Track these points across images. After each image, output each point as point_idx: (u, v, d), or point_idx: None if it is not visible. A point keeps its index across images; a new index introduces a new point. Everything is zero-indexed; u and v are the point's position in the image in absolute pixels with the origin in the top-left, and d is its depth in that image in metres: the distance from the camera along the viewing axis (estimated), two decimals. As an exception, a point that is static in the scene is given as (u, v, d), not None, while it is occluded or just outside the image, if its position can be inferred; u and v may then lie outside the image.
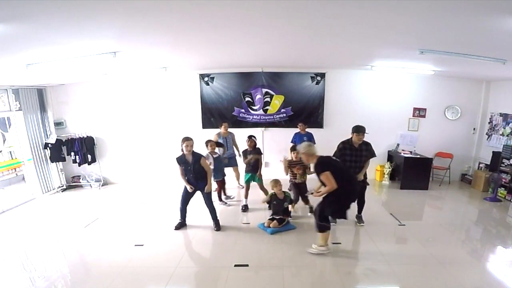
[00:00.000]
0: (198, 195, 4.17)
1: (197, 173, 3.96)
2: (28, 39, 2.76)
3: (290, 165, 4.30)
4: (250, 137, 4.83)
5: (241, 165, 5.26)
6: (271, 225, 4.03)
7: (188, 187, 4.01)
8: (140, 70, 5.60)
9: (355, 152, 3.93)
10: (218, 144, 5.03)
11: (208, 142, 4.87)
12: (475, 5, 2.17)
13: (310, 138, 5.57)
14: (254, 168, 4.76)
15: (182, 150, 3.90)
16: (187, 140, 3.86)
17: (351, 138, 3.95)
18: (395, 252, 3.62)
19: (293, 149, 4.40)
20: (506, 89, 5.83)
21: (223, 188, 5.29)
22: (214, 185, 4.66)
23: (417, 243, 3.77)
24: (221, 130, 5.50)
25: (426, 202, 5.34)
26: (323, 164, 3.19)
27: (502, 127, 5.81)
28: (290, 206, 4.22)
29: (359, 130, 3.88)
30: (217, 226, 4.22)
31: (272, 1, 2.29)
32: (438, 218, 4.67)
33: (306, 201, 4.46)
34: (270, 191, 4.27)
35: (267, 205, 4.36)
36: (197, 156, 3.94)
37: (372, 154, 4.00)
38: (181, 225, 4.26)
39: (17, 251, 3.76)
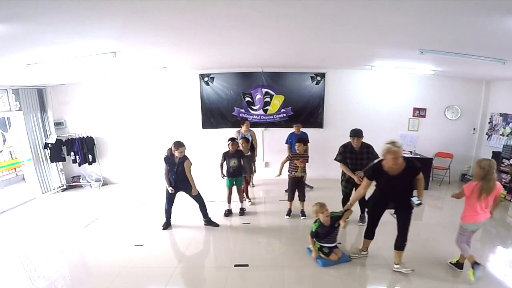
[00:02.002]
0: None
1: (179, 174, 4.05)
2: (28, 39, 2.75)
3: (293, 157, 4.34)
4: (234, 139, 4.62)
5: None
6: (331, 258, 3.24)
7: (169, 189, 4.08)
8: (140, 70, 5.60)
9: (355, 155, 3.95)
10: (300, 140, 4.51)
11: (232, 140, 4.71)
12: (475, 5, 2.17)
13: (306, 138, 5.53)
14: (236, 173, 4.58)
15: (172, 152, 4.00)
16: (181, 146, 3.96)
17: (350, 142, 3.97)
18: (395, 252, 3.62)
19: (298, 141, 4.39)
20: (506, 89, 5.83)
21: (246, 187, 5.20)
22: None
23: (417, 243, 3.76)
24: (242, 128, 5.43)
25: (426, 202, 5.32)
26: (416, 164, 3.02)
27: (502, 127, 5.81)
28: (341, 223, 3.27)
29: (355, 134, 3.88)
30: (209, 221, 4.30)
31: (272, 1, 2.29)
32: (438, 218, 4.67)
33: (303, 198, 4.45)
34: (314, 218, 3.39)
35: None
36: (183, 158, 4.04)
37: (376, 157, 3.93)
38: (167, 225, 4.30)
39: (17, 251, 3.77)
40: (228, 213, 4.71)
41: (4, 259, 3.55)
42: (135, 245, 3.77)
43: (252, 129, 6.47)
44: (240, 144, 4.73)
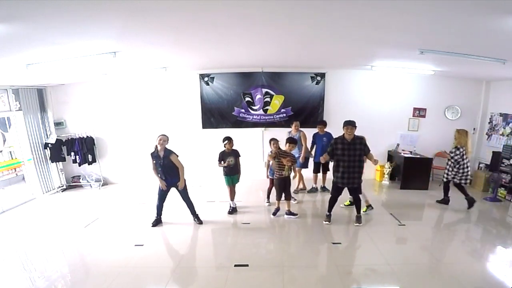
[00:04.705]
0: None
1: (166, 168, 4.12)
2: (28, 39, 2.76)
3: (280, 155, 4.29)
4: (230, 138, 4.56)
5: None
6: None
7: (161, 185, 4.14)
8: (140, 70, 5.60)
9: (347, 147, 3.97)
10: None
11: (271, 141, 4.72)
12: (475, 5, 2.17)
13: (329, 138, 5.41)
14: (232, 171, 4.59)
15: (156, 146, 4.08)
16: (162, 135, 4.11)
17: (344, 133, 4.02)
18: (395, 252, 3.63)
19: (288, 141, 4.38)
20: (506, 89, 5.83)
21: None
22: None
23: (417, 243, 3.77)
24: (292, 128, 5.38)
25: (426, 202, 5.33)
26: None
27: (502, 127, 5.81)
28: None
29: (348, 123, 3.96)
30: (198, 220, 4.38)
31: (273, 1, 2.29)
32: (438, 218, 4.67)
33: (289, 197, 4.47)
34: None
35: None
36: (167, 152, 4.11)
37: (367, 149, 4.02)
38: (158, 221, 4.36)
39: (17, 251, 3.77)
40: (233, 210, 4.75)
41: (4, 259, 3.55)
42: (135, 245, 3.77)
43: (252, 129, 6.51)
44: (271, 145, 4.71)
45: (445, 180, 5.03)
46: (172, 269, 3.25)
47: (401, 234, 4.09)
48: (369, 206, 4.64)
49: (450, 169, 4.90)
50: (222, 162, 4.52)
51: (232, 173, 4.61)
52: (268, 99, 6.46)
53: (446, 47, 3.48)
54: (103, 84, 6.35)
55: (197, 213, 4.42)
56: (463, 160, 4.75)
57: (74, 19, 2.41)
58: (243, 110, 6.50)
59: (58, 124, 6.44)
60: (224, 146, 4.55)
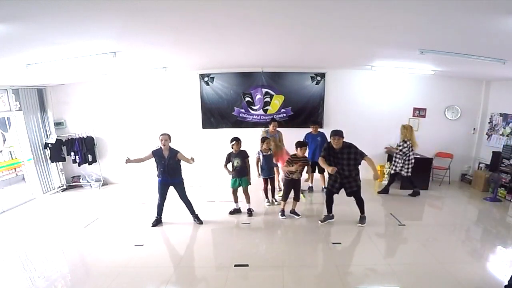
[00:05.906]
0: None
1: (170, 168, 4.12)
2: (28, 39, 2.76)
3: (292, 160, 4.28)
4: (237, 139, 4.46)
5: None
6: None
7: (125, 160, 4.10)
8: (140, 70, 5.60)
9: (334, 154, 3.98)
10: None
11: (264, 139, 4.73)
12: (475, 5, 2.17)
13: (323, 138, 5.46)
14: (239, 173, 4.50)
15: (160, 147, 4.09)
16: (162, 135, 4.08)
17: (331, 142, 4.01)
18: (395, 252, 3.63)
19: (299, 145, 4.28)
20: (506, 89, 5.83)
21: (272, 187, 5.10)
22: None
23: (417, 243, 3.77)
24: (269, 127, 5.38)
25: (426, 202, 5.34)
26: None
27: (502, 127, 5.81)
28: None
29: (335, 133, 3.91)
30: (198, 220, 4.37)
31: (273, 1, 2.29)
32: (438, 218, 4.67)
33: (298, 198, 4.47)
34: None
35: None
36: (173, 152, 4.11)
37: (362, 155, 3.95)
38: (158, 221, 4.35)
39: (17, 251, 3.77)
40: (235, 211, 4.71)
41: (4, 259, 3.55)
42: (135, 245, 3.77)
43: (252, 129, 6.50)
44: (265, 144, 4.72)
45: (392, 172, 5.59)
46: (172, 269, 3.26)
47: (401, 234, 4.09)
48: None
49: (398, 160, 5.45)
50: (226, 167, 4.49)
51: (239, 175, 4.52)
52: (268, 99, 6.46)
53: (446, 47, 3.48)
54: (103, 84, 6.35)
55: (196, 213, 4.42)
56: (409, 152, 5.31)
57: (74, 19, 2.41)
58: (243, 110, 6.50)
59: (58, 124, 6.43)
60: (232, 147, 4.47)
